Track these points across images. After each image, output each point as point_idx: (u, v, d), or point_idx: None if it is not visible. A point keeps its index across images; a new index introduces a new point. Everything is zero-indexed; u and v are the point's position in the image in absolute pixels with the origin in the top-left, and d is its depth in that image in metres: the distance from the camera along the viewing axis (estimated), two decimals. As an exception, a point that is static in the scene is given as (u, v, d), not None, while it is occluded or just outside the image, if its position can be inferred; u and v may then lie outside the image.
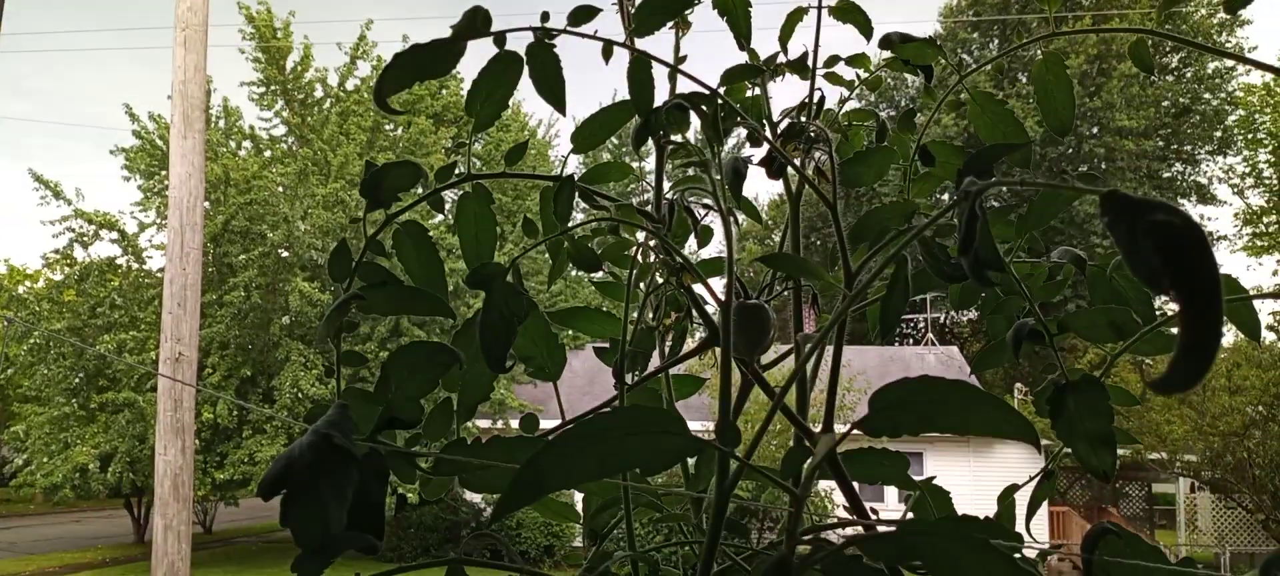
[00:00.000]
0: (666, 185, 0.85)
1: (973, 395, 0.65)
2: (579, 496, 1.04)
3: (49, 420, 18.79)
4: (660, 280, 0.91)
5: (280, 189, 19.21)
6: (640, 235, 0.87)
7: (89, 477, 18.30)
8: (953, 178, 0.85)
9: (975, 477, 18.40)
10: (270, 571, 20.02)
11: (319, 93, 21.84)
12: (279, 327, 18.78)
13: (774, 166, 0.81)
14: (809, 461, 0.69)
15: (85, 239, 19.91)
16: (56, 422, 18.79)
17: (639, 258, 0.93)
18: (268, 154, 20.97)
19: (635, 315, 0.93)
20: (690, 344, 0.91)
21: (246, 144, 21.25)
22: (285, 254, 19.05)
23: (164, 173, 19.73)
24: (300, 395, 18.13)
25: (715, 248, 1.04)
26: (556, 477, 0.67)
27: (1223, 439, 19.48)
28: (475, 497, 20.92)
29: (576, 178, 0.82)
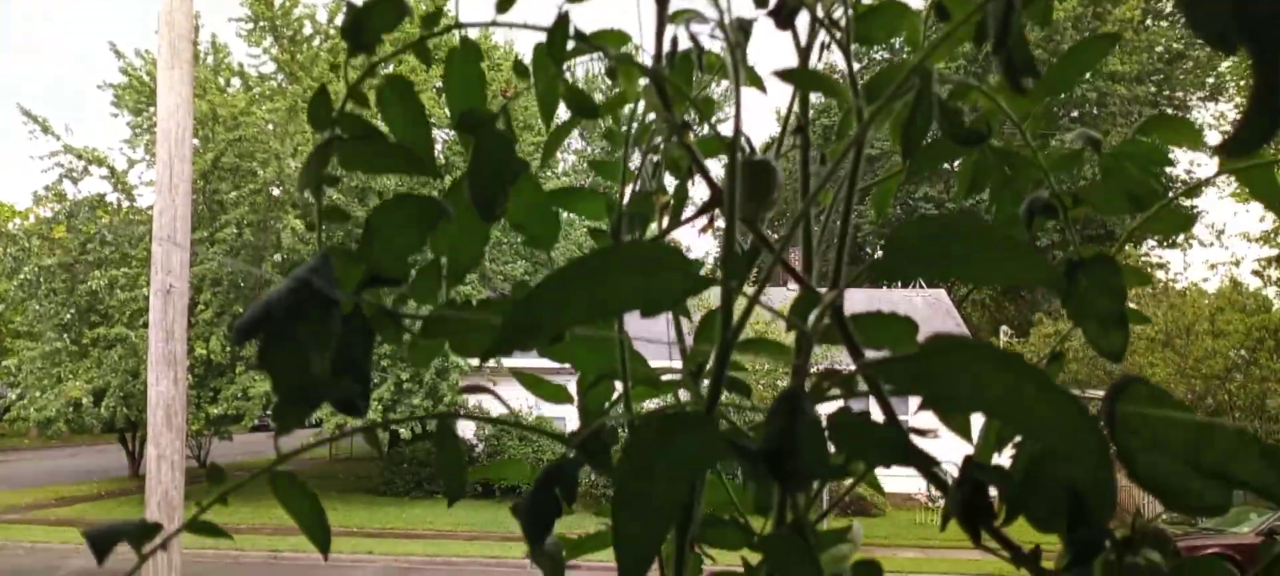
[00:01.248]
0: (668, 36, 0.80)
1: (998, 237, 0.61)
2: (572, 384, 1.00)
3: (41, 355, 18.76)
4: (659, 142, 0.87)
5: (270, 127, 19.00)
6: (639, 92, 0.83)
7: (83, 412, 18.33)
8: (970, 36, 0.80)
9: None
10: (265, 505, 20.18)
11: (308, 29, 21.49)
12: (272, 265, 18.71)
13: (783, 13, 0.77)
14: (815, 310, 0.65)
15: (74, 175, 19.74)
16: (48, 358, 18.77)
17: (635, 115, 0.89)
18: (257, 91, 20.70)
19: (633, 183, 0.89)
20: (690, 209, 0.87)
21: (235, 81, 20.97)
22: (277, 191, 18.91)
23: (152, 109, 19.50)
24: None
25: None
26: (550, 317, 0.63)
27: (1204, 381, 19.63)
28: (468, 432, 21.04)
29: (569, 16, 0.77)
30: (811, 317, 0.62)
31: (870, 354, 0.53)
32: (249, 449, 29.75)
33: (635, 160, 0.99)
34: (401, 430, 20.06)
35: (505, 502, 20.29)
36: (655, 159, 0.89)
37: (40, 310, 19.17)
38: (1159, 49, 30.41)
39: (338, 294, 0.69)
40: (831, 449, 0.65)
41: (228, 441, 24.59)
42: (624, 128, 0.90)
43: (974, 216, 0.62)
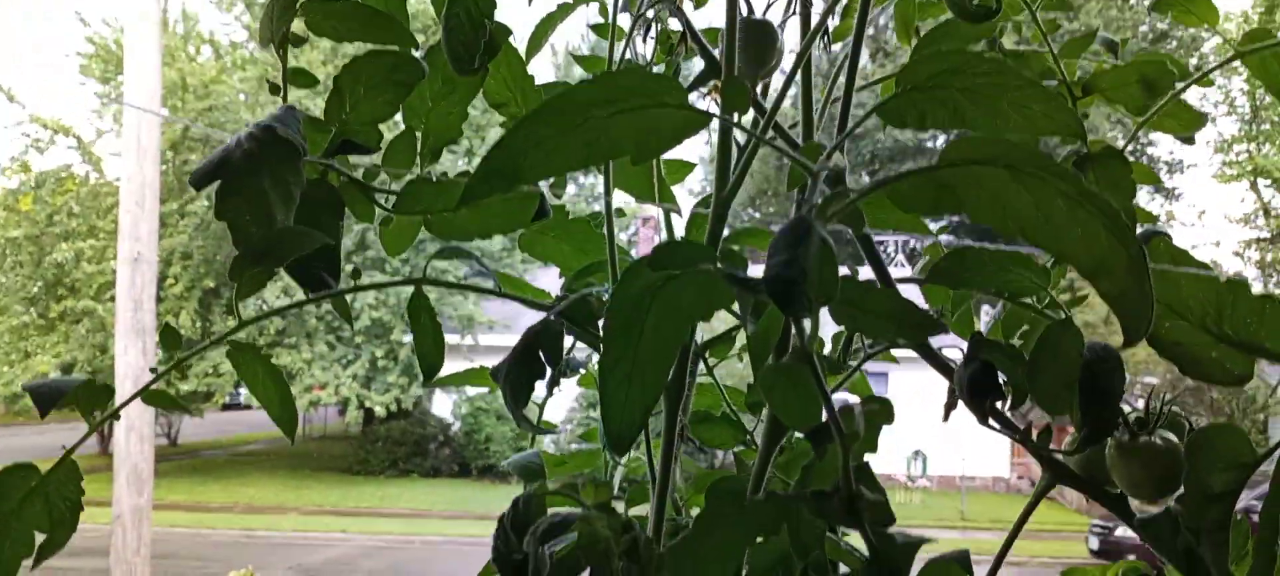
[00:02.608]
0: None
1: (1021, 77, 0.56)
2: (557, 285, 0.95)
3: (8, 329, 18.46)
4: (649, 11, 0.81)
5: (242, 96, 18.71)
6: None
7: (50, 387, 18.05)
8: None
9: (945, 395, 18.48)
10: (236, 483, 20.00)
11: (282, -2, 21.09)
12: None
13: None
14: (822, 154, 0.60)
15: (41, 145, 19.37)
16: (16, 332, 18.47)
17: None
18: (228, 60, 20.37)
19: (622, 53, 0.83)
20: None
21: (206, 49, 20.63)
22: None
23: (120, 78, 19.17)
24: (264, 306, 17.91)
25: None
26: (533, 162, 0.58)
27: (1182, 363, 19.78)
28: (444, 412, 20.93)
29: None
30: (819, 161, 0.58)
31: (879, 176, 0.49)
32: (221, 427, 29.46)
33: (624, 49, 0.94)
34: (376, 408, 19.90)
35: (482, 482, 20.20)
36: (647, 33, 0.84)
37: (6, 283, 18.84)
38: (1143, 28, 30.57)
39: (302, 142, 0.63)
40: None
41: (199, 419, 24.35)
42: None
43: (994, 56, 0.58)
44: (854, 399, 0.65)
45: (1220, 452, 0.62)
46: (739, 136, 0.72)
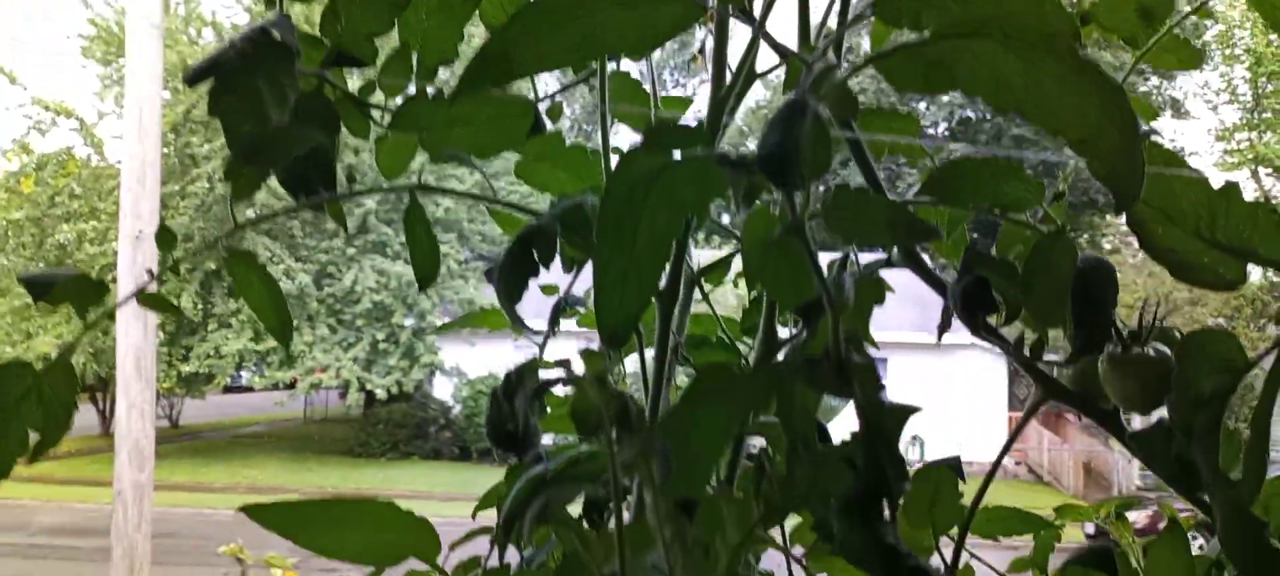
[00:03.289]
0: None
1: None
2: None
3: (10, 310, 18.47)
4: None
5: (244, 79, 18.64)
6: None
7: (52, 368, 18.09)
8: None
9: (944, 380, 18.62)
10: (237, 464, 20.05)
11: (283, -20, 21.04)
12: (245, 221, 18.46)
13: None
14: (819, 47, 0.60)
15: (42, 127, 19.36)
16: (18, 313, 18.49)
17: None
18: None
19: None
20: None
21: (207, 32, 20.58)
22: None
23: (121, 60, 19.15)
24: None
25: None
26: (526, 55, 0.58)
27: (1181, 348, 19.76)
28: (445, 395, 20.96)
29: None
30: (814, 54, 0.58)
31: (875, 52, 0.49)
32: (222, 409, 29.53)
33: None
34: (377, 391, 19.92)
35: (482, 465, 20.23)
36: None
37: (8, 264, 18.85)
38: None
39: (296, 44, 0.63)
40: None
41: (200, 400, 24.41)
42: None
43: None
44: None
45: (1211, 356, 0.62)
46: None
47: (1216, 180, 0.65)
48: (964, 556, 0.77)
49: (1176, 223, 0.64)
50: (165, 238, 0.65)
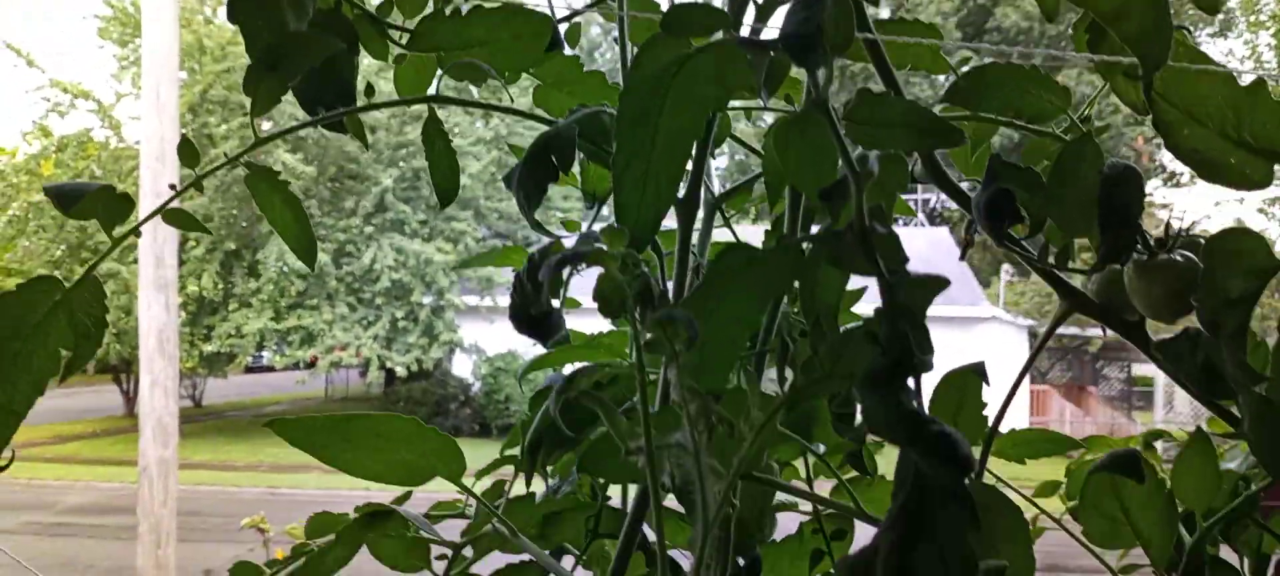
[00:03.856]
0: None
1: None
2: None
3: (32, 292, 18.67)
4: None
5: (260, 59, 18.70)
6: None
7: (76, 349, 18.30)
8: None
9: (964, 354, 18.41)
10: (261, 444, 20.24)
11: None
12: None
13: None
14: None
15: (61, 109, 19.50)
16: (40, 295, 18.68)
17: None
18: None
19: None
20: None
21: (222, 10, 20.62)
22: (267, 125, 18.71)
23: (138, 41, 19.24)
24: (285, 269, 18.06)
25: None
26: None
27: (1202, 321, 19.60)
28: (464, 373, 21.06)
29: None
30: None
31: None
32: (243, 389, 29.81)
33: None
34: (397, 368, 20.04)
35: (502, 441, 20.27)
36: None
37: (30, 247, 19.04)
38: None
39: (316, -47, 0.63)
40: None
41: (222, 380, 24.63)
42: None
43: None
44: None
45: (1239, 257, 0.61)
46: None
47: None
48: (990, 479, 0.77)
49: (1202, 123, 0.63)
50: (186, 152, 0.66)
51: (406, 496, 0.80)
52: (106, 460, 18.43)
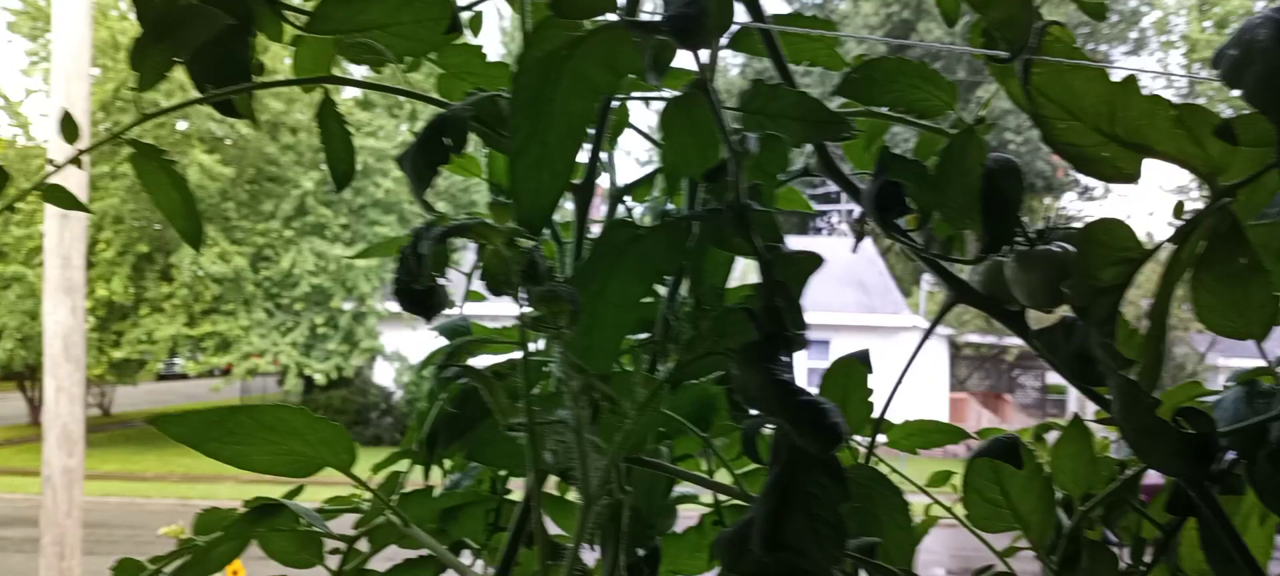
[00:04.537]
0: None
1: None
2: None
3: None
4: None
5: (176, 57, 18.19)
6: None
7: (-23, 355, 17.54)
8: None
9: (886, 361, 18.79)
10: (171, 453, 19.60)
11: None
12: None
13: None
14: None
15: (-37, 106, 18.70)
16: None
17: None
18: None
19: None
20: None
21: (138, 8, 20.02)
22: (183, 125, 18.19)
23: (48, 35, 18.55)
24: (200, 273, 17.56)
25: None
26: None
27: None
28: (386, 381, 20.71)
29: None
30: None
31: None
32: (156, 397, 28.87)
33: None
34: (316, 376, 19.61)
35: (424, 449, 19.97)
36: None
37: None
38: (1086, -2, 31.25)
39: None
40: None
41: (133, 388, 23.82)
42: None
43: None
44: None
45: (1108, 246, 0.64)
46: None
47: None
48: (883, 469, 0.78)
49: (1077, 117, 0.66)
50: (67, 127, 0.64)
51: (299, 490, 0.79)
52: (8, 470, 17.65)
